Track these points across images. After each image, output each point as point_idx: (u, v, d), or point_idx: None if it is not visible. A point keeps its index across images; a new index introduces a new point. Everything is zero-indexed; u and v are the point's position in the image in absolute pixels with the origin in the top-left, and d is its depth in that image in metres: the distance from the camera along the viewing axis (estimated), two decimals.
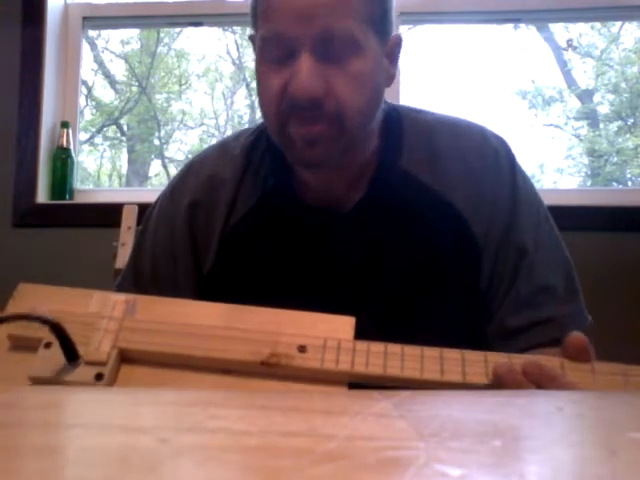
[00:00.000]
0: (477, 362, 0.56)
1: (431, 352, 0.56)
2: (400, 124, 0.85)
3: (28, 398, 0.43)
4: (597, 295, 1.57)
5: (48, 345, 0.57)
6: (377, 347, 0.57)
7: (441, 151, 0.83)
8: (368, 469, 0.25)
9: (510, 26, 2.00)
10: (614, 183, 2.05)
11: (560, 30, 2.07)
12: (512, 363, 0.56)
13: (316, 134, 0.73)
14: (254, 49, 0.80)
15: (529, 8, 1.86)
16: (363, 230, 0.82)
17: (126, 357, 0.58)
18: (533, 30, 2.03)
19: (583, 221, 1.64)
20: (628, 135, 2.04)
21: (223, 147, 0.90)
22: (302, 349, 0.56)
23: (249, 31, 0.82)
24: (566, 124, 2.09)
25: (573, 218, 1.63)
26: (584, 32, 2.08)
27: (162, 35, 2.26)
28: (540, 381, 0.55)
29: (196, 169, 0.89)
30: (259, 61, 0.77)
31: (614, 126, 2.05)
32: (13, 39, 1.85)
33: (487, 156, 0.83)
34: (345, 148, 0.76)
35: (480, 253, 0.80)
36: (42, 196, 1.84)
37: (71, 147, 1.88)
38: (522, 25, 2.00)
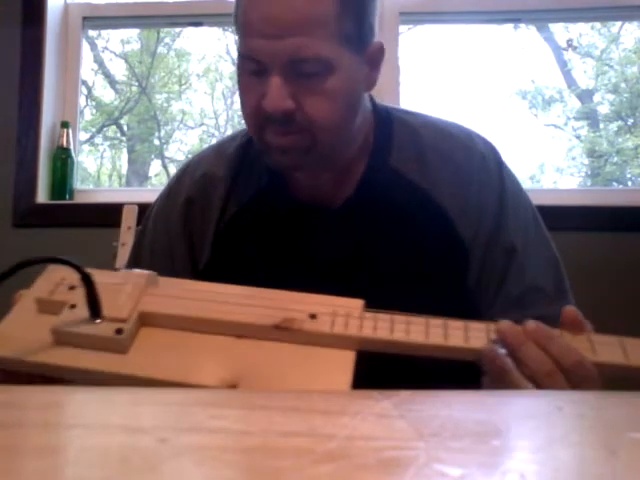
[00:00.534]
0: (479, 329, 0.59)
1: (435, 321, 0.60)
2: (390, 124, 0.86)
3: (28, 398, 0.43)
4: (597, 295, 1.57)
5: (73, 306, 0.60)
6: (384, 316, 0.60)
7: (428, 150, 0.84)
8: (368, 469, 0.25)
9: (510, 26, 2.00)
10: (614, 183, 2.05)
11: (560, 30, 2.07)
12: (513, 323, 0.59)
13: (288, 144, 0.76)
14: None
15: (529, 8, 1.86)
16: (351, 227, 0.84)
17: (146, 321, 0.61)
18: (533, 30, 2.03)
19: (583, 221, 1.64)
20: (628, 135, 2.04)
21: (219, 147, 0.93)
22: (313, 316, 0.60)
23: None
24: (566, 124, 2.09)
25: (573, 218, 1.63)
26: (584, 32, 2.08)
27: (162, 35, 2.26)
28: (540, 339, 0.57)
29: (192, 169, 0.92)
30: (239, 72, 0.79)
31: (614, 126, 2.05)
32: (13, 39, 1.85)
33: (474, 158, 0.84)
34: (318, 157, 0.78)
35: (467, 254, 0.81)
36: (42, 196, 1.84)
37: (71, 147, 1.88)
38: (522, 25, 2.00)
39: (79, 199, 1.90)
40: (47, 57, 1.86)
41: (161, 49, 2.30)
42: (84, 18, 1.97)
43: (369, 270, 0.83)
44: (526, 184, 2.07)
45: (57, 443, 0.31)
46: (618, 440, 0.31)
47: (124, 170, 2.33)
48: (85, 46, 2.04)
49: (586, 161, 2.07)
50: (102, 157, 2.31)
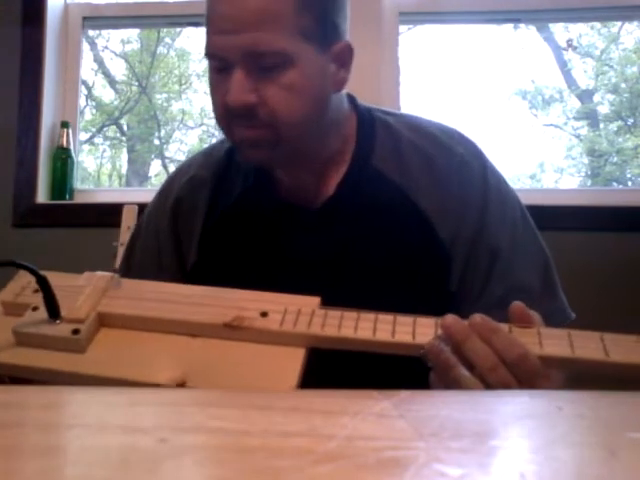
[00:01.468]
0: (427, 325, 0.59)
1: (385, 316, 0.59)
2: (372, 125, 0.87)
3: (28, 398, 0.43)
4: (597, 295, 1.57)
5: (35, 308, 0.62)
6: (334, 312, 0.60)
7: (406, 151, 0.84)
8: (368, 469, 0.25)
9: (510, 26, 2.00)
10: (614, 183, 2.05)
11: (560, 30, 2.07)
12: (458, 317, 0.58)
13: (254, 138, 0.77)
14: None
15: (529, 8, 1.86)
16: (331, 227, 0.84)
17: (105, 321, 0.63)
18: (533, 30, 2.03)
19: (583, 221, 1.64)
20: (628, 135, 2.04)
21: (209, 151, 0.96)
22: (264, 314, 0.61)
23: None
24: (566, 124, 2.09)
25: (573, 218, 1.63)
26: (584, 32, 2.08)
27: (162, 35, 2.26)
28: (484, 333, 0.56)
29: (183, 172, 0.94)
30: (209, 74, 0.81)
31: (614, 126, 2.05)
32: (13, 39, 1.85)
33: (453, 158, 0.84)
34: (288, 152, 0.79)
35: (447, 255, 0.81)
36: (42, 196, 1.84)
37: (71, 147, 1.88)
38: (522, 25, 2.00)
39: (79, 199, 1.90)
40: (47, 57, 1.86)
41: (161, 49, 2.30)
42: (84, 18, 1.97)
43: (349, 271, 0.83)
44: (526, 184, 2.07)
45: (57, 443, 0.31)
46: (618, 440, 0.31)
47: (124, 170, 2.33)
48: (85, 46, 2.04)
49: (586, 161, 2.07)
50: (102, 157, 2.31)
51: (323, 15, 0.78)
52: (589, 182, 2.06)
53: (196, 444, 0.29)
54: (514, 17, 1.91)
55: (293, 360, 0.58)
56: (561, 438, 0.31)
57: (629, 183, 2.05)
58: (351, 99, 0.88)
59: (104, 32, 2.21)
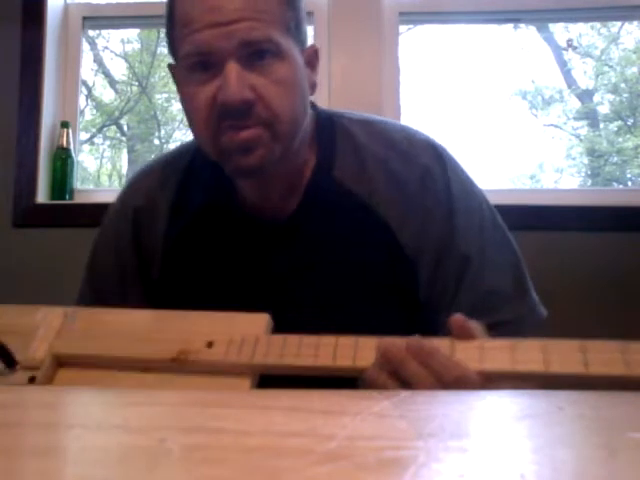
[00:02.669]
0: (369, 347, 0.59)
1: (328, 339, 0.60)
2: (333, 133, 0.85)
3: (28, 398, 0.43)
4: (597, 295, 1.57)
5: None
6: (277, 339, 0.61)
7: (367, 159, 0.83)
8: (368, 469, 0.25)
9: (510, 26, 2.00)
10: (614, 183, 2.05)
11: (560, 30, 2.07)
12: (396, 340, 0.58)
13: (249, 139, 0.73)
14: (174, 79, 0.84)
15: (529, 8, 1.86)
16: (295, 242, 0.82)
17: (62, 362, 0.64)
18: (533, 30, 2.04)
19: (583, 221, 1.64)
20: (628, 135, 2.04)
21: (166, 160, 0.92)
22: (210, 345, 0.61)
23: (169, 60, 0.84)
24: (566, 124, 2.09)
25: (573, 218, 1.63)
26: (584, 32, 2.08)
27: (162, 35, 2.26)
28: (420, 355, 0.56)
29: (140, 183, 0.92)
30: (184, 83, 0.78)
31: (614, 126, 2.05)
32: (13, 39, 1.85)
33: (414, 166, 0.82)
34: (280, 155, 0.76)
35: (413, 265, 0.79)
36: (42, 196, 1.84)
37: (71, 147, 1.88)
38: (522, 25, 2.00)
39: (79, 199, 1.90)
40: (47, 57, 1.86)
41: (161, 49, 2.30)
42: (84, 18, 1.97)
43: (315, 285, 0.81)
44: (526, 184, 2.07)
45: (57, 443, 0.31)
46: (618, 440, 0.31)
47: (124, 170, 2.33)
48: (85, 46, 2.04)
49: (586, 161, 2.07)
50: (102, 157, 2.31)
51: (300, 17, 0.79)
52: (589, 182, 2.06)
53: (196, 444, 0.29)
54: (514, 17, 1.91)
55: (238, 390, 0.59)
56: (561, 438, 0.31)
57: (629, 183, 2.05)
58: (311, 105, 0.86)
59: (104, 32, 2.20)
